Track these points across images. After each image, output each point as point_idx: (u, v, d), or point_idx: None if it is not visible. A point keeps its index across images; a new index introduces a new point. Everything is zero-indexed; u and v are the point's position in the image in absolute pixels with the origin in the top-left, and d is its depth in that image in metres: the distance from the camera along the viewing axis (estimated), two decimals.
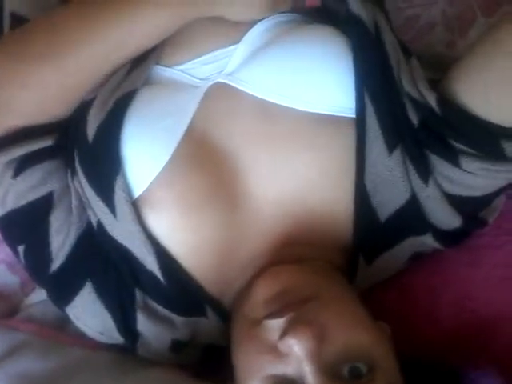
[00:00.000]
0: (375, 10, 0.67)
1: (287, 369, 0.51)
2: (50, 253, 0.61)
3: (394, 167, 0.60)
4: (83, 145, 0.61)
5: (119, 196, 0.59)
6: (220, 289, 0.63)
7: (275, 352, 0.52)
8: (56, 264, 0.61)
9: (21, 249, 0.63)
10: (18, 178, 0.62)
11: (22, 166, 0.62)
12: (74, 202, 0.62)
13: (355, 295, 0.60)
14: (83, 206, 0.62)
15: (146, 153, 0.60)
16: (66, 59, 0.62)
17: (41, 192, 0.62)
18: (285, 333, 0.51)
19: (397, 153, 0.60)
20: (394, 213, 0.62)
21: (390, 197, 0.62)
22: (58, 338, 0.66)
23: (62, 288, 0.62)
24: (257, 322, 0.54)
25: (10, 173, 0.62)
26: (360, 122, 0.61)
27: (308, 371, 0.50)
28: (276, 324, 0.53)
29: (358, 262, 0.65)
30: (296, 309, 0.53)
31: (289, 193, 0.62)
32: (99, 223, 0.61)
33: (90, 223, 0.62)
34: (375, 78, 0.62)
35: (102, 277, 0.61)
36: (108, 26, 0.62)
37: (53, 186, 0.62)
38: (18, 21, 0.74)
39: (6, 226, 0.64)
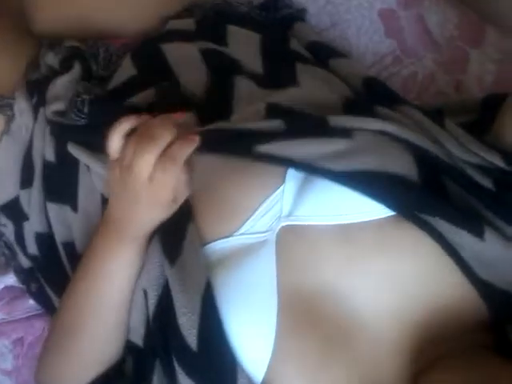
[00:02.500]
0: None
1: None
2: None
3: (494, 248, 0.59)
4: (187, 354, 0.59)
5: None
6: None
7: None
8: None
9: None
10: None
11: None
12: None
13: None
14: None
15: (253, 338, 0.58)
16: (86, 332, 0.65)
17: None
18: None
19: (488, 232, 0.59)
20: None
21: (509, 270, 0.59)
22: None
23: None
24: None
25: None
26: (429, 232, 0.59)
27: None
28: None
29: (508, 332, 0.60)
30: None
31: (401, 302, 0.59)
32: None
33: None
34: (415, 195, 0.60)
35: None
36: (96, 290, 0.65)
37: None
38: (71, 249, 0.76)
39: None
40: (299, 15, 0.93)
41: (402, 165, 0.61)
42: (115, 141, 0.62)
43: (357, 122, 0.65)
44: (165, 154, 0.59)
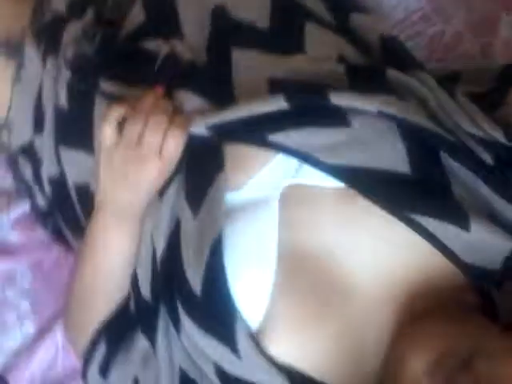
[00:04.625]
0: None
1: None
2: None
3: (480, 237, 0.60)
4: (191, 298, 0.62)
5: (241, 337, 0.60)
6: (358, 382, 0.61)
7: None
8: None
9: None
10: (107, 380, 0.71)
11: (104, 366, 0.71)
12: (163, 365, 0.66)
13: (498, 328, 0.57)
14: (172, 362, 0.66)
15: (251, 289, 0.61)
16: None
17: (129, 381, 0.70)
18: None
19: (475, 223, 0.59)
20: (504, 260, 0.61)
21: (493, 253, 0.61)
22: None
23: None
24: None
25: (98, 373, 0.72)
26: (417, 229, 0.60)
27: None
28: None
29: (491, 293, 0.62)
30: (465, 373, 0.51)
31: (397, 263, 0.61)
32: (217, 366, 0.62)
33: (183, 380, 0.66)
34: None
35: None
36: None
37: (133, 371, 0.69)
38: (84, 192, 0.79)
39: None
40: None
41: (394, 159, 0.62)
42: (109, 127, 0.66)
43: (357, 100, 0.64)
44: (172, 122, 0.65)
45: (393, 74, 0.69)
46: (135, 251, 0.70)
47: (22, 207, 0.92)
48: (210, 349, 0.61)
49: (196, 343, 0.63)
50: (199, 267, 0.61)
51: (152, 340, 0.67)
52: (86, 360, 0.72)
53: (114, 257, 0.70)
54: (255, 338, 0.60)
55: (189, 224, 0.65)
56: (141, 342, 0.68)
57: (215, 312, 0.61)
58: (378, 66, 0.73)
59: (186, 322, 0.62)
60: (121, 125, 0.67)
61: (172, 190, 0.68)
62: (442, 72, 0.76)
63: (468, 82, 0.73)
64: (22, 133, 0.84)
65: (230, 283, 0.61)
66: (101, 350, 0.71)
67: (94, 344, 0.71)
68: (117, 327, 0.70)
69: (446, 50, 0.86)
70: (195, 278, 0.61)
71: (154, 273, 0.67)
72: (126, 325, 0.70)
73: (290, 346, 0.59)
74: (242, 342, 0.59)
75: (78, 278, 0.74)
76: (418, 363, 0.54)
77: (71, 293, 0.75)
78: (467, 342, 0.54)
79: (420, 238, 0.60)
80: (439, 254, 0.60)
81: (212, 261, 0.61)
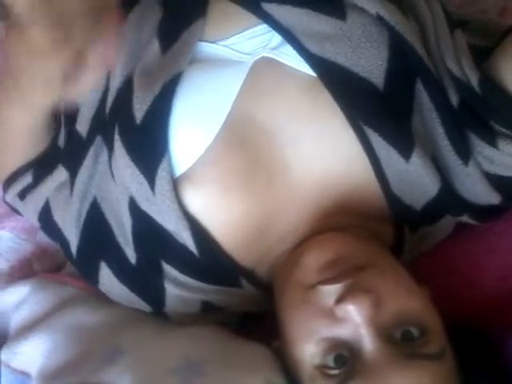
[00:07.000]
0: None
1: (342, 332, 0.53)
2: (68, 243, 0.68)
3: (415, 171, 0.61)
4: (130, 125, 0.62)
5: (161, 176, 0.60)
6: (254, 261, 0.64)
7: (330, 316, 0.54)
8: (73, 249, 0.67)
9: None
10: (24, 201, 0.72)
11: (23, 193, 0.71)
12: (77, 189, 0.66)
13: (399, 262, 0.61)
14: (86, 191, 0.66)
15: (192, 134, 0.61)
16: None
17: (41, 203, 0.70)
18: (342, 298, 0.53)
19: (416, 156, 0.60)
20: (427, 203, 0.64)
21: (420, 192, 0.63)
22: (105, 295, 0.67)
23: (86, 270, 0.68)
24: (310, 287, 0.55)
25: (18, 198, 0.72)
26: (364, 143, 0.61)
27: (366, 335, 0.52)
28: (332, 289, 0.54)
29: (404, 231, 0.66)
30: (353, 276, 0.54)
31: (332, 168, 0.62)
32: (132, 199, 0.62)
33: (93, 207, 0.66)
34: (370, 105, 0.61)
35: (113, 255, 0.65)
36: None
37: (47, 194, 0.69)
38: None
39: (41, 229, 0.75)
40: None
41: (373, 68, 0.61)
42: None
43: None
44: None
45: None
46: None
47: None
48: (131, 178, 0.61)
49: (120, 171, 0.63)
50: (147, 98, 0.61)
51: (73, 170, 0.66)
52: (7, 186, 0.72)
53: (18, 131, 0.67)
54: (174, 181, 0.60)
55: (151, 58, 0.64)
56: (58, 173, 0.68)
57: (147, 143, 0.61)
58: None
59: (118, 148, 0.62)
60: None
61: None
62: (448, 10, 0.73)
63: (472, 33, 0.71)
64: None
65: (171, 122, 0.61)
66: (25, 180, 0.70)
67: (18, 175, 0.70)
68: (45, 162, 0.70)
69: (466, 1, 0.83)
70: (140, 108, 0.61)
71: (99, 110, 0.66)
72: (53, 159, 0.69)
73: (206, 200, 0.61)
74: (161, 179, 0.60)
75: None
76: (316, 257, 0.57)
77: None
78: (367, 256, 0.57)
79: (362, 156, 0.61)
80: (373, 179, 0.62)
81: (162, 95, 0.61)
